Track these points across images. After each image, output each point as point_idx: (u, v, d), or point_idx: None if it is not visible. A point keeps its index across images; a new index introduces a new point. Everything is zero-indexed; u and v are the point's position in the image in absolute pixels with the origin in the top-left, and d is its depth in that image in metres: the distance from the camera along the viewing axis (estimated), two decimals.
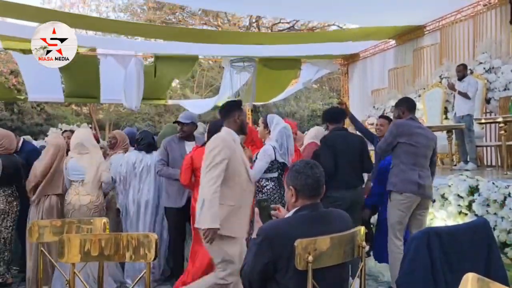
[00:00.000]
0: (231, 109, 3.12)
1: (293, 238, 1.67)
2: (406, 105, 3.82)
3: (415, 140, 3.62)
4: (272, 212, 2.19)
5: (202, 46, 9.06)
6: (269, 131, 3.79)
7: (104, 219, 2.39)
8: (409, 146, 3.61)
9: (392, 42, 10.10)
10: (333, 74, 16.81)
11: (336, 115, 4.11)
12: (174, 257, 4.13)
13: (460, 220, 4.71)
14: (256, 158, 3.69)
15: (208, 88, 22.29)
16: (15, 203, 4.28)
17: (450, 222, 4.83)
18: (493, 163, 6.88)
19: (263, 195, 3.62)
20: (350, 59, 11.86)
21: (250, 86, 10.27)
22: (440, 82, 7.97)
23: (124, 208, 4.30)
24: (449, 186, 4.52)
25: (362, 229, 1.86)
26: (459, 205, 4.74)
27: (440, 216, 5.00)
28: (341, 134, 3.92)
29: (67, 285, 1.95)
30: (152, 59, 10.07)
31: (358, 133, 4.72)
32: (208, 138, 4.45)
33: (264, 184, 3.68)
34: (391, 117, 4.47)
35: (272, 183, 3.67)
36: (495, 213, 4.28)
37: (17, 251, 4.54)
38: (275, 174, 3.72)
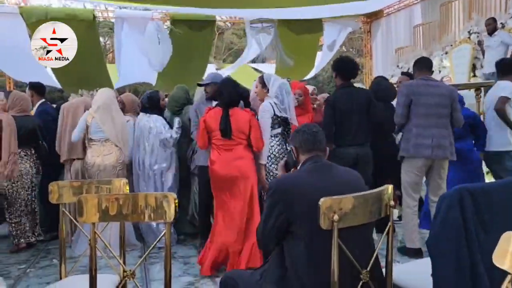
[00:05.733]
0: None
1: (300, 187, 1.77)
2: (417, 66, 3.77)
3: (424, 100, 3.52)
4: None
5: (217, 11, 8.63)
6: (268, 90, 3.68)
7: (123, 180, 2.36)
8: (418, 107, 3.51)
9: None
10: (354, 34, 16.20)
11: (344, 68, 3.95)
12: (202, 215, 4.14)
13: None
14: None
15: (226, 52, 21.89)
16: (33, 164, 4.35)
17: None
18: None
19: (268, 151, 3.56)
20: (373, 16, 11.37)
21: (275, 48, 9.92)
22: (469, 37, 7.59)
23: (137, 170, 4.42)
24: None
25: (390, 188, 1.77)
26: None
27: None
28: (346, 92, 3.87)
29: (89, 244, 1.94)
30: (168, 22, 9.71)
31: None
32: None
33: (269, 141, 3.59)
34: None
35: (277, 139, 3.60)
36: None
37: (40, 212, 4.59)
38: (278, 130, 3.64)
